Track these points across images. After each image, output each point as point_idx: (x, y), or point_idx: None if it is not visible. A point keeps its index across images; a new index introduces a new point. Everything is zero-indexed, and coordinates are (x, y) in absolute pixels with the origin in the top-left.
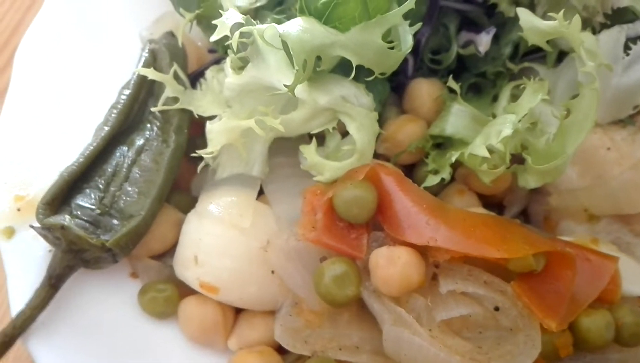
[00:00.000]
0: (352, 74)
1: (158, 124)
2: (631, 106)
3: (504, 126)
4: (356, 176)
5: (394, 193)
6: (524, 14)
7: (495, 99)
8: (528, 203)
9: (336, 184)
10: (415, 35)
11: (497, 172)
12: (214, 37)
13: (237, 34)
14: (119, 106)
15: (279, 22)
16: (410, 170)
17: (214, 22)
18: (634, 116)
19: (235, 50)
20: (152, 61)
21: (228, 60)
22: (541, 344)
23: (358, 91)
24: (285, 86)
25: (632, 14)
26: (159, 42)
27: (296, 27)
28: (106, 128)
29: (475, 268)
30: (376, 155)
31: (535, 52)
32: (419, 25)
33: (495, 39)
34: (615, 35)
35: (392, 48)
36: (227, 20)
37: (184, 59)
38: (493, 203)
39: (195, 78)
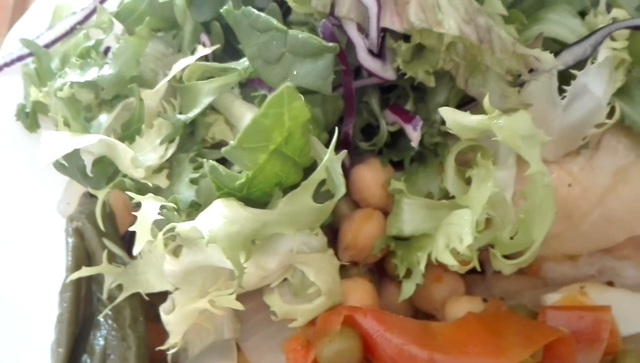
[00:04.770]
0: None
1: (111, 314)
2: (580, 138)
3: (463, 230)
4: (332, 327)
5: (376, 334)
6: (446, 112)
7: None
8: None
9: (315, 338)
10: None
11: (469, 267)
12: (136, 249)
13: (160, 237)
14: (65, 317)
15: (196, 181)
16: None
17: (130, 229)
18: None
19: (164, 247)
20: (80, 241)
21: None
22: None
23: (306, 236)
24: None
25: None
26: (81, 216)
27: (220, 220)
28: (61, 350)
29: None
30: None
31: (467, 104)
32: (344, 153)
33: (424, 103)
34: (547, 82)
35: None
36: (146, 218)
37: (113, 225)
38: None
39: (131, 237)
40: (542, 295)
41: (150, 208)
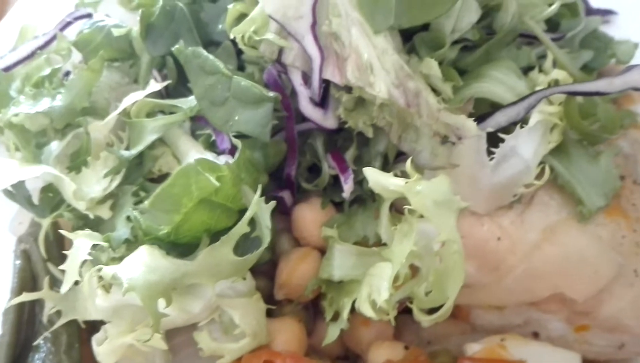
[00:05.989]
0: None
1: (50, 337)
2: (511, 195)
3: (382, 284)
4: None
5: None
6: (369, 172)
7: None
8: None
9: None
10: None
11: (389, 317)
12: (64, 288)
13: (87, 278)
14: (6, 340)
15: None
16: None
17: (60, 268)
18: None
19: (96, 282)
20: (27, 264)
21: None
22: None
23: (231, 282)
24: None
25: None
26: (29, 239)
27: (140, 268)
28: None
29: None
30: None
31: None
32: (273, 203)
33: (367, 147)
34: (475, 143)
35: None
36: (76, 258)
37: (60, 249)
38: None
39: None
40: (465, 344)
41: (80, 247)
